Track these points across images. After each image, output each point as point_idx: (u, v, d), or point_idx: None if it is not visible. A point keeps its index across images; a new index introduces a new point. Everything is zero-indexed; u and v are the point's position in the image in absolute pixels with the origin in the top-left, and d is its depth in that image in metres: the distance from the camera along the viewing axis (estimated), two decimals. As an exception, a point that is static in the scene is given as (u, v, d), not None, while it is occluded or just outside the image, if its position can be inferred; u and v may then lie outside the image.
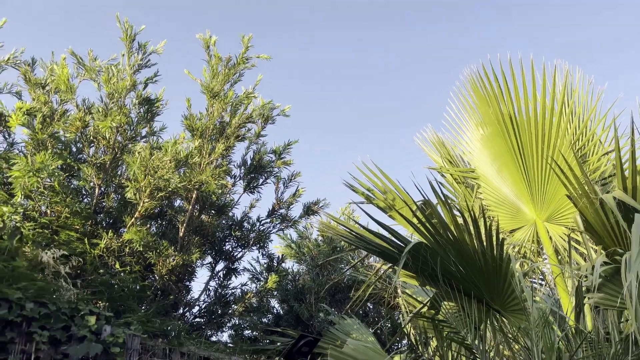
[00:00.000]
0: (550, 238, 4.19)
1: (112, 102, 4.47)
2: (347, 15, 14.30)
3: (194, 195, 4.86)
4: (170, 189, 4.25)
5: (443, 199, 3.42)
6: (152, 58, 4.86)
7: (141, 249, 4.20)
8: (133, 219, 4.39)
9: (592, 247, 3.47)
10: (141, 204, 4.38)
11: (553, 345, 2.76)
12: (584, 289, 2.95)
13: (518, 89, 4.35)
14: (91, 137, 4.57)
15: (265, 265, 6.24)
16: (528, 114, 4.33)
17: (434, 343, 4.05)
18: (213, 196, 4.88)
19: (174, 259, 4.39)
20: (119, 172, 4.85)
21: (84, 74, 4.64)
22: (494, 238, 3.24)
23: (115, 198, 4.73)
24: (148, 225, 4.92)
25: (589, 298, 2.89)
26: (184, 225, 4.83)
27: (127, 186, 4.28)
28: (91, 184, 4.58)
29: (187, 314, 5.22)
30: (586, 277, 2.96)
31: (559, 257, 4.14)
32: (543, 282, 4.51)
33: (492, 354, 3.42)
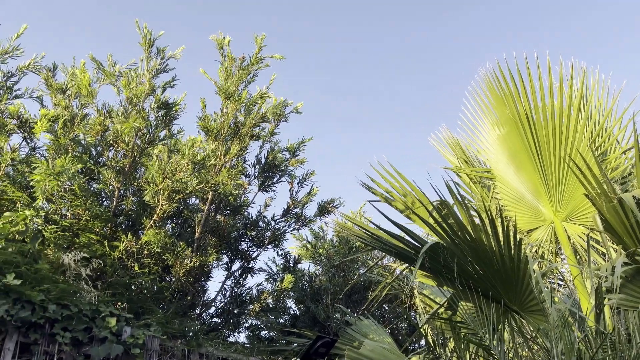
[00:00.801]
0: (569, 238, 4.15)
1: (131, 106, 4.54)
2: (363, 9, 14.28)
3: (209, 196, 4.91)
4: (187, 192, 4.30)
5: (460, 199, 3.41)
6: (170, 63, 4.93)
7: (159, 251, 4.26)
8: (151, 222, 4.46)
9: (611, 247, 3.43)
10: (159, 207, 4.44)
11: (573, 346, 2.74)
12: (603, 289, 2.92)
13: (535, 88, 4.31)
14: (111, 141, 4.65)
15: (281, 266, 6.27)
16: (545, 113, 4.29)
17: (451, 344, 4.03)
18: (230, 198, 4.92)
19: (191, 260, 4.44)
20: (137, 175, 4.92)
21: (103, 79, 4.72)
22: (512, 238, 3.23)
23: (134, 201, 4.80)
24: (165, 227, 4.98)
25: (609, 299, 2.86)
26: (200, 225, 4.88)
27: (146, 189, 4.34)
28: (110, 187, 4.66)
29: (204, 314, 5.27)
30: (606, 277, 2.93)
31: (578, 257, 4.10)
32: (562, 283, 4.47)
33: (510, 354, 3.40)
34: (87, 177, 4.61)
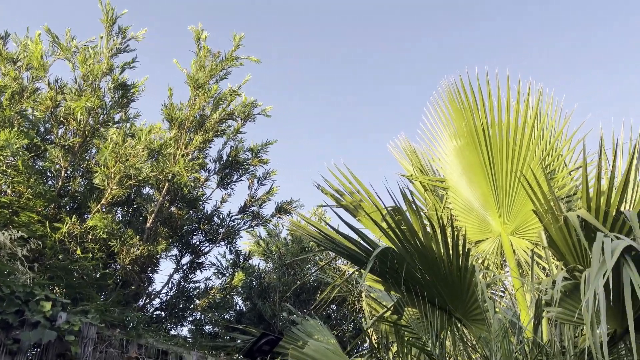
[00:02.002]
0: (514, 251, 4.29)
1: (87, 84, 4.35)
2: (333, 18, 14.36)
3: (165, 186, 4.77)
4: (140, 178, 4.16)
5: (413, 206, 3.46)
6: (132, 44, 4.77)
7: (105, 237, 4.10)
8: (99, 206, 4.29)
9: (553, 263, 3.57)
10: (109, 191, 4.28)
11: (511, 355, 2.82)
12: (543, 302, 3.02)
13: (493, 104, 4.44)
14: (61, 118, 4.44)
15: (231, 261, 6.18)
16: (500, 128, 4.43)
17: (394, 348, 4.09)
18: (184, 189, 4.80)
19: (138, 249, 4.30)
20: (87, 156, 4.73)
21: (59, 53, 4.51)
22: (461, 248, 3.30)
23: (82, 182, 4.60)
24: (114, 213, 4.81)
25: (547, 312, 2.97)
26: (153, 215, 4.73)
27: (96, 171, 4.18)
28: (57, 166, 4.45)
29: (148, 305, 5.12)
30: (546, 291, 3.03)
31: (521, 270, 4.24)
32: (503, 294, 4.61)
33: (450, 361, 3.47)
34: (32, 154, 4.39)
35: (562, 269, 3.06)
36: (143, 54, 4.78)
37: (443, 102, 4.88)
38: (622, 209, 2.83)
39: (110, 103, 4.50)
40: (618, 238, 2.38)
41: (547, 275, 3.92)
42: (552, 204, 3.07)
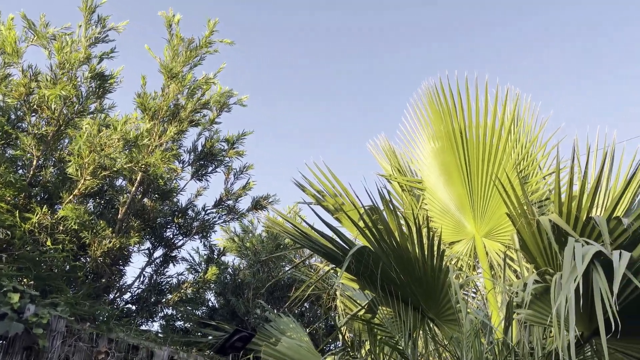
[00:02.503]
0: (487, 253, 4.37)
1: (62, 73, 4.24)
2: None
3: (138, 177, 4.69)
4: (115, 169, 4.08)
5: (391, 206, 3.48)
6: (112, 35, 4.66)
7: (76, 228, 4.01)
8: (71, 196, 4.19)
9: (525, 266, 3.64)
10: (82, 182, 4.19)
11: (481, 356, 2.87)
12: (514, 304, 3.08)
13: (471, 107, 4.51)
14: (35, 106, 4.32)
15: (205, 257, 6.12)
16: (478, 131, 4.50)
17: (367, 346, 4.11)
18: (160, 180, 4.72)
19: (110, 241, 4.22)
20: (60, 146, 4.61)
21: (33, 39, 4.38)
22: (436, 248, 3.34)
23: (54, 172, 4.49)
24: (86, 204, 4.71)
25: (518, 313, 3.03)
26: (125, 207, 4.64)
27: (69, 161, 4.08)
28: (29, 155, 4.33)
29: (119, 299, 5.03)
30: (517, 293, 3.09)
31: (493, 272, 4.32)
32: (475, 295, 4.69)
33: (422, 360, 3.51)
34: (2, 142, 4.26)
35: (533, 272, 3.13)
36: (118, 41, 4.67)
37: (423, 104, 4.93)
38: (592, 214, 2.90)
39: (86, 93, 4.40)
40: (588, 243, 2.44)
41: (518, 278, 4.00)
42: (525, 208, 3.13)
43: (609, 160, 3.30)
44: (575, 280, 2.13)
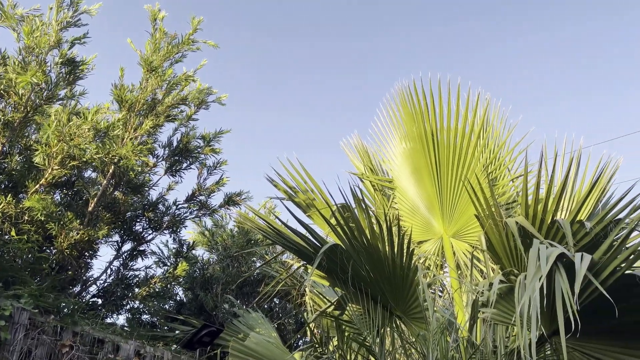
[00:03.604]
0: (454, 253, 4.46)
1: (31, 57, 4.11)
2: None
3: (110, 169, 4.60)
4: (84, 159, 3.99)
5: (363, 205, 3.52)
6: (85, 19, 4.54)
7: (42, 219, 3.91)
8: (37, 186, 4.08)
9: (491, 266, 3.74)
10: (49, 171, 4.08)
11: (447, 354, 2.94)
12: (479, 303, 3.16)
13: (443, 110, 4.59)
14: (1, 91, 4.18)
15: (174, 250, 6.05)
16: (449, 134, 4.58)
17: (334, 342, 4.15)
18: (131, 173, 4.64)
19: (78, 233, 4.13)
20: (27, 133, 4.48)
21: (1, 19, 4.23)
22: (405, 247, 3.39)
23: (20, 160, 4.36)
24: (53, 194, 4.59)
25: (483, 312, 3.11)
26: (95, 199, 4.55)
27: (37, 149, 3.97)
28: (-7, 141, 4.20)
29: (85, 292, 4.93)
30: (482, 293, 3.18)
31: (460, 271, 4.42)
32: (441, 294, 4.79)
33: (389, 359, 3.57)
34: (-34, 127, 4.12)
35: (499, 272, 3.23)
36: (94, 28, 4.56)
37: (395, 105, 4.99)
38: (557, 217, 3.01)
39: (56, 79, 4.28)
40: (552, 245, 2.53)
41: (484, 278, 4.11)
42: (493, 209, 3.21)
43: (574, 166, 3.43)
44: (539, 280, 2.21)
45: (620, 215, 2.77)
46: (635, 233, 2.69)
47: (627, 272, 2.38)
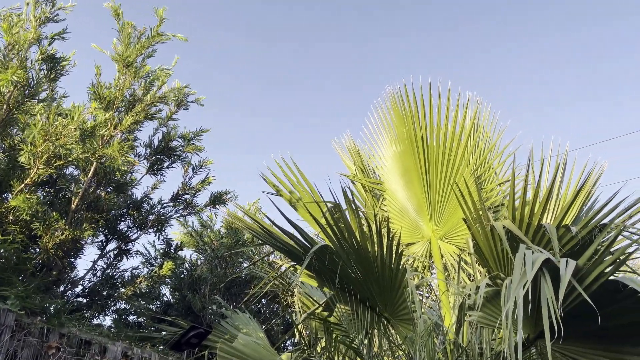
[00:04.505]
0: (442, 255, 4.50)
1: (11, 54, 4.05)
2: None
3: (92, 168, 4.54)
4: (70, 159, 3.95)
5: (353, 206, 3.54)
6: (61, 15, 4.46)
7: (27, 218, 3.86)
8: (22, 185, 4.03)
9: (478, 269, 3.77)
10: (34, 170, 4.03)
11: (434, 356, 2.97)
12: (466, 306, 3.19)
13: (433, 113, 4.63)
14: (-17, 89, 4.11)
15: (161, 251, 6.01)
16: (439, 137, 4.62)
17: (322, 344, 4.16)
18: (117, 173, 4.60)
19: (62, 233, 4.08)
20: (10, 132, 4.41)
21: (-24, 16, 4.15)
22: (394, 249, 3.41)
23: (4, 159, 4.30)
24: (37, 194, 4.53)
25: (469, 315, 3.14)
26: (78, 198, 4.50)
27: (22, 149, 3.92)
28: (-23, 139, 4.14)
29: (69, 292, 4.88)
30: (469, 295, 3.21)
31: (447, 274, 4.46)
32: (429, 296, 4.82)
33: (377, 359, 3.59)
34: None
35: (485, 276, 3.26)
36: (70, 27, 4.49)
37: (386, 108, 5.03)
38: (543, 221, 3.05)
39: (37, 76, 4.21)
40: (538, 250, 2.56)
41: (471, 280, 4.15)
42: (481, 213, 3.25)
43: (560, 171, 3.47)
44: (524, 286, 2.24)
45: (605, 220, 2.81)
46: (619, 238, 2.74)
47: (610, 278, 2.42)
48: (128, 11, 4.97)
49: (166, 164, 5.47)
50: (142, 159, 5.35)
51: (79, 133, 4.05)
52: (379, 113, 5.09)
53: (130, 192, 5.40)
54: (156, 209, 5.49)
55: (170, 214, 5.56)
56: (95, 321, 5.04)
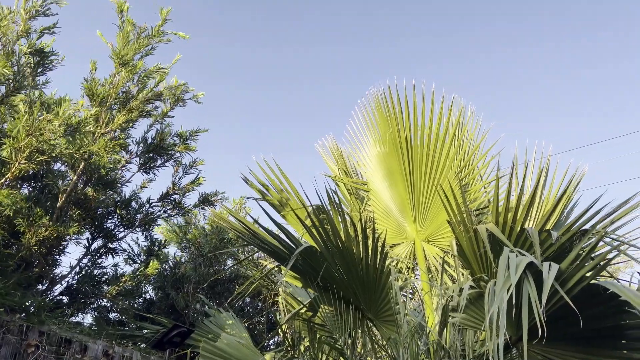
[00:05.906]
0: (425, 257, 4.53)
1: (1, 47, 3.98)
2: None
3: (81, 165, 4.49)
4: (54, 155, 3.89)
5: (338, 208, 3.55)
6: (54, 9, 4.40)
7: (10, 214, 3.80)
8: (3, 179, 3.96)
9: (461, 271, 3.81)
10: (16, 165, 3.97)
11: (417, 357, 3.00)
12: (449, 308, 3.23)
13: (417, 114, 4.65)
14: (-34, 82, 4.03)
15: (145, 248, 5.95)
16: (422, 138, 4.65)
17: (305, 343, 4.17)
18: (102, 170, 4.54)
19: (46, 230, 4.03)
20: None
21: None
22: (379, 250, 3.44)
23: (-15, 153, 4.22)
24: (20, 188, 4.46)
25: (452, 317, 3.18)
26: (65, 195, 4.44)
27: (4, 143, 3.85)
28: (-42, 133, 4.06)
29: (51, 290, 4.81)
30: (453, 297, 3.24)
31: (430, 275, 4.49)
32: (412, 297, 4.86)
33: None
34: None
35: (468, 278, 3.29)
36: (63, 24, 4.43)
37: (370, 108, 5.04)
38: (526, 225, 3.09)
39: (23, 69, 4.14)
40: (521, 254, 2.60)
41: (454, 282, 4.19)
42: (464, 215, 3.28)
43: (543, 175, 3.53)
44: (508, 290, 2.27)
45: (587, 226, 2.87)
46: (600, 243, 2.79)
47: (591, 282, 2.47)
48: (137, 8, 4.93)
49: (159, 162, 5.42)
50: (134, 156, 5.30)
51: (64, 129, 3.99)
52: (363, 114, 5.10)
53: (119, 190, 5.35)
54: (144, 208, 5.44)
55: (158, 213, 5.52)
56: (75, 319, 4.98)
